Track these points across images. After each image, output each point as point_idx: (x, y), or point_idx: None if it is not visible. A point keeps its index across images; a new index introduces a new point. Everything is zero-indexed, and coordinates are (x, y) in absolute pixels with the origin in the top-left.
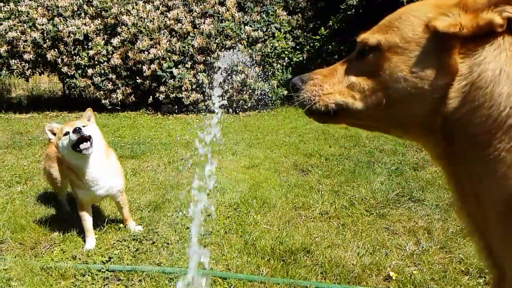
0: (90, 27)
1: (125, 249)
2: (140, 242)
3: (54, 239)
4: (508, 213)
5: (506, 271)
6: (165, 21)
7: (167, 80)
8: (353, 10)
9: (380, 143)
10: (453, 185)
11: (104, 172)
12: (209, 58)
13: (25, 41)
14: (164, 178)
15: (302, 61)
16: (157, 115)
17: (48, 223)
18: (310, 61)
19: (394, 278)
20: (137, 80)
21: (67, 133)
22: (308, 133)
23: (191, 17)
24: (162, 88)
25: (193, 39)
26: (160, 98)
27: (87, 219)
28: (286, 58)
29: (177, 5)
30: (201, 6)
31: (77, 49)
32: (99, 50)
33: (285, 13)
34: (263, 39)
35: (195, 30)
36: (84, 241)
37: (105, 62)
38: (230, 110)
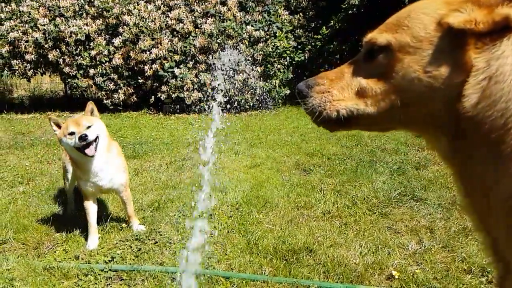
0: (91, 27)
1: (127, 248)
2: (143, 241)
3: (57, 239)
4: None
5: None
6: (167, 21)
7: (168, 80)
8: (355, 9)
9: (382, 142)
10: (461, 182)
11: (105, 165)
12: (210, 58)
13: (27, 41)
14: (166, 178)
15: (303, 61)
16: (159, 115)
17: (50, 223)
18: (312, 60)
19: (396, 277)
20: (139, 80)
21: (72, 133)
22: (310, 132)
23: (193, 17)
24: (163, 88)
25: (194, 39)
26: (162, 98)
27: (91, 213)
28: (287, 58)
29: (178, 5)
30: (202, 6)
31: (78, 49)
32: (101, 50)
33: (286, 12)
34: (264, 38)
35: (196, 30)
36: (87, 240)
37: (107, 62)
38: (232, 109)
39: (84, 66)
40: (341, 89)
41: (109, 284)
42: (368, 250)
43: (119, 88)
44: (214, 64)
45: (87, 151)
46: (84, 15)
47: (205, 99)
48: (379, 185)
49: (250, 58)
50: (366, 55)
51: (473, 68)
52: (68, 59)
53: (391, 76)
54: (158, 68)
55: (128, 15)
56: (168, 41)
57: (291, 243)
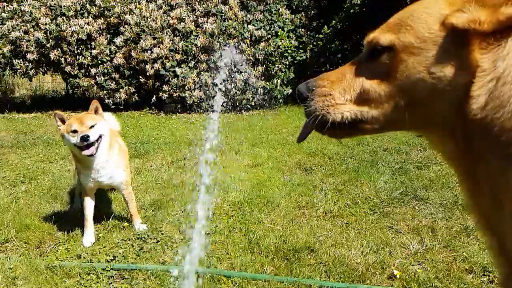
0: (93, 26)
1: (129, 248)
2: (144, 241)
3: (59, 238)
4: None
5: None
6: (168, 20)
7: (170, 79)
8: (357, 8)
9: (384, 142)
10: (467, 183)
11: (106, 163)
12: (212, 57)
13: (28, 41)
14: (167, 177)
15: (305, 60)
16: (160, 114)
17: (52, 222)
18: (313, 60)
19: (398, 276)
20: (140, 80)
21: (75, 131)
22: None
23: (194, 16)
24: (165, 88)
25: (196, 38)
26: (163, 97)
27: (88, 207)
28: (289, 57)
29: (180, 4)
30: (204, 5)
31: (80, 48)
32: (102, 49)
33: (288, 12)
34: (266, 38)
35: (198, 29)
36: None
37: (108, 62)
38: (233, 109)
39: (85, 66)
40: (343, 91)
41: (111, 283)
42: (369, 250)
43: (120, 88)
44: (214, 63)
45: (87, 151)
46: (86, 14)
47: (206, 98)
48: (381, 185)
49: (251, 58)
50: (368, 56)
51: (478, 69)
52: (70, 59)
53: (394, 77)
54: (160, 67)
55: (129, 14)
56: (170, 41)
57: (292, 243)
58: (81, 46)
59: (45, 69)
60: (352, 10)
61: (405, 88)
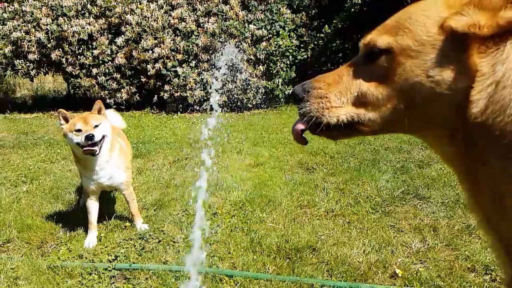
0: (94, 26)
1: (131, 247)
2: (146, 240)
3: (61, 238)
4: None
5: None
6: (169, 20)
7: (171, 79)
8: (358, 7)
9: (385, 141)
10: (468, 183)
11: (107, 164)
12: (213, 57)
13: (30, 41)
14: (169, 177)
15: (306, 59)
16: (162, 114)
17: (54, 222)
18: (315, 59)
19: (400, 275)
20: (142, 79)
21: (79, 130)
22: None
23: (195, 16)
24: (166, 87)
25: (197, 38)
26: (164, 97)
27: (92, 211)
28: (290, 57)
29: (181, 4)
30: (205, 5)
31: (81, 48)
32: (104, 49)
33: (289, 11)
34: (267, 37)
35: (199, 29)
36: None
37: (110, 62)
38: (235, 108)
39: (87, 66)
40: (339, 94)
41: (113, 283)
42: (371, 249)
43: (121, 88)
44: (215, 62)
45: (89, 151)
46: (87, 14)
47: (207, 98)
48: (382, 184)
49: (252, 57)
50: (365, 58)
51: (478, 73)
52: (71, 59)
53: (392, 80)
54: (161, 67)
55: (130, 14)
56: (171, 40)
57: (294, 242)
58: (82, 46)
59: (46, 69)
60: (352, 10)
61: (403, 91)
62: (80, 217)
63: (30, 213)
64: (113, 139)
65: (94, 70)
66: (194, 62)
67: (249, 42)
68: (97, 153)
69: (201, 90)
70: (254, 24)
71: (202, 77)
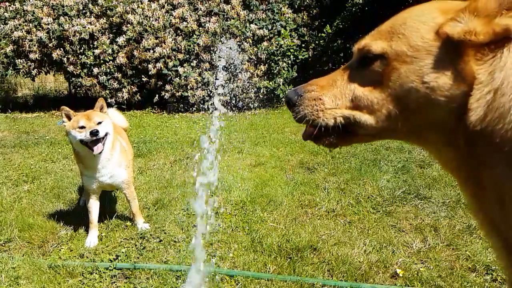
0: (95, 26)
1: (132, 247)
2: (147, 240)
3: (62, 237)
4: None
5: None
6: (170, 20)
7: (172, 79)
8: (359, 6)
9: (386, 141)
10: (470, 189)
11: (108, 162)
12: (215, 55)
13: (31, 40)
14: (170, 177)
15: (307, 59)
16: (163, 113)
17: (55, 222)
18: (316, 59)
19: (401, 275)
20: (143, 79)
21: (82, 127)
22: None
23: (196, 16)
24: (167, 87)
25: (198, 38)
26: (165, 96)
27: (93, 210)
28: (291, 56)
29: (182, 4)
30: (206, 5)
31: (82, 48)
32: (105, 49)
33: (290, 11)
34: (268, 37)
35: (200, 28)
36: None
37: (111, 61)
38: (236, 108)
39: (88, 65)
40: (333, 97)
41: (114, 282)
42: (372, 248)
43: (123, 87)
44: (216, 61)
45: (95, 148)
46: (88, 14)
47: (209, 97)
48: (383, 184)
49: (254, 57)
50: (360, 63)
51: (475, 81)
52: (72, 58)
53: (387, 85)
54: (162, 66)
55: (131, 14)
56: (172, 40)
57: (295, 242)
58: (84, 45)
59: (47, 68)
60: (354, 9)
61: (398, 96)
62: (81, 216)
63: (31, 213)
64: (114, 138)
65: (95, 70)
66: (195, 61)
67: (251, 41)
68: (101, 150)
69: (202, 90)
70: (256, 24)
71: (204, 77)
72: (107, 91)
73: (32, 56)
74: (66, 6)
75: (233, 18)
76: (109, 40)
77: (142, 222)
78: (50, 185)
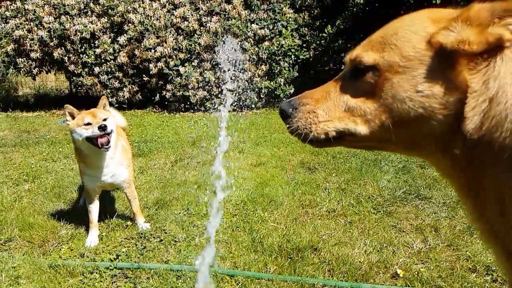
0: (96, 25)
1: (132, 246)
2: (148, 239)
3: (62, 237)
4: None
5: None
6: (172, 19)
7: (173, 78)
8: (360, 6)
9: None
10: (471, 197)
11: (111, 161)
12: (215, 56)
13: (32, 39)
14: (171, 176)
15: (308, 59)
16: (164, 113)
17: (56, 221)
18: (317, 59)
19: (401, 275)
20: (144, 78)
21: (88, 124)
22: None
23: (198, 15)
24: (168, 86)
25: (199, 37)
26: (166, 96)
27: (93, 210)
28: (292, 56)
29: (183, 3)
30: (207, 4)
31: (83, 47)
32: (106, 48)
33: (291, 11)
34: (269, 37)
35: (201, 28)
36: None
37: (112, 60)
38: (237, 108)
39: (89, 64)
40: (327, 110)
41: (114, 282)
42: (373, 249)
43: (124, 86)
44: (217, 60)
45: (103, 141)
46: (89, 13)
47: (210, 97)
48: (384, 184)
49: (255, 57)
50: (352, 74)
51: (469, 90)
52: (73, 57)
53: (380, 95)
54: (163, 66)
55: (133, 13)
56: (173, 39)
57: (296, 242)
58: (85, 44)
59: (48, 67)
60: (355, 9)
61: (391, 106)
62: (82, 216)
63: (32, 212)
64: (116, 137)
65: (96, 69)
66: (196, 61)
67: (252, 41)
68: (109, 145)
69: (203, 91)
70: (257, 24)
71: (205, 76)
72: (108, 90)
73: (33, 55)
74: (67, 5)
75: (235, 18)
76: (110, 39)
77: (142, 222)
78: (50, 184)
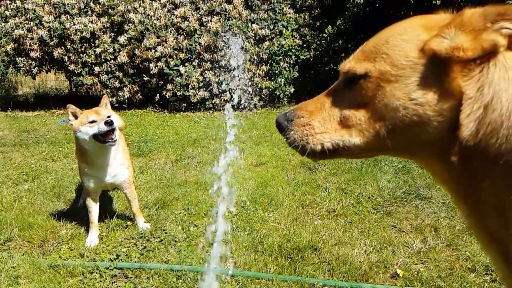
0: (96, 24)
1: (132, 246)
2: (148, 239)
3: (62, 236)
4: None
5: None
6: (172, 19)
7: (174, 78)
8: (361, 6)
9: None
10: (468, 203)
11: (113, 160)
12: (216, 56)
13: (32, 38)
14: (171, 176)
15: (309, 59)
16: (164, 113)
17: (55, 221)
18: (317, 59)
19: (401, 275)
20: (144, 78)
21: (93, 121)
22: None
23: (198, 15)
24: (169, 86)
25: (200, 37)
26: (167, 96)
27: (93, 210)
28: (293, 56)
29: (184, 3)
30: (208, 4)
31: (84, 47)
32: (106, 48)
33: (292, 11)
34: (270, 37)
35: (202, 28)
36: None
37: (112, 60)
38: (237, 108)
39: (89, 64)
40: (322, 121)
41: (114, 282)
42: (372, 249)
43: (124, 86)
44: (219, 60)
45: (109, 140)
46: (89, 12)
47: (210, 97)
48: (384, 184)
49: (255, 57)
50: (345, 85)
51: (464, 96)
52: (73, 57)
53: (373, 104)
54: (164, 66)
55: (133, 13)
56: (174, 39)
57: (296, 242)
58: (85, 44)
59: (48, 67)
60: (355, 9)
61: (385, 115)
62: (82, 216)
63: (32, 212)
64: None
65: (97, 69)
66: (196, 61)
67: (252, 41)
68: (115, 138)
69: (204, 91)
70: (257, 24)
71: (205, 76)
72: (108, 90)
73: (33, 54)
74: (68, 4)
75: (235, 18)
76: (110, 39)
77: (142, 222)
78: (50, 184)
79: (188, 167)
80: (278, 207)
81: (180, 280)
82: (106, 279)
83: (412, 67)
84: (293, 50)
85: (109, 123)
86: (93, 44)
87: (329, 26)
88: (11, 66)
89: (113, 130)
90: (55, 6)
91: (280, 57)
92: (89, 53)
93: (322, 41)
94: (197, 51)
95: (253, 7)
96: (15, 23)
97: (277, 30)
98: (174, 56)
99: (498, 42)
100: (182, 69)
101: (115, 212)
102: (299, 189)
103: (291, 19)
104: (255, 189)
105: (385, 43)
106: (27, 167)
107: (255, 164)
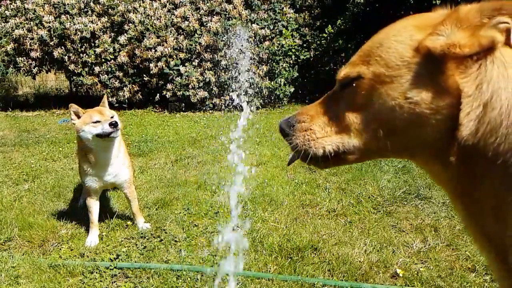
0: (97, 24)
1: (133, 246)
2: (148, 239)
3: (62, 236)
4: None
5: None
6: (172, 19)
7: (174, 78)
8: (361, 6)
9: None
10: (466, 204)
11: (115, 159)
12: (216, 56)
13: (32, 38)
14: (171, 176)
15: (309, 59)
16: (164, 113)
17: (56, 221)
18: (317, 59)
19: (401, 275)
20: (144, 78)
21: (97, 122)
22: None
23: (198, 15)
24: (169, 86)
25: (200, 37)
26: (167, 96)
27: (93, 210)
28: (293, 56)
29: (184, 3)
30: (208, 4)
31: (84, 46)
32: (106, 47)
33: (292, 11)
34: (270, 37)
35: (202, 28)
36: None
37: (112, 60)
38: (238, 108)
39: (89, 64)
40: (323, 125)
41: (114, 282)
42: (372, 248)
43: (124, 86)
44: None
45: (112, 134)
46: (90, 12)
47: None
48: (384, 184)
49: (255, 57)
50: (342, 89)
51: (463, 95)
52: (73, 57)
53: (370, 105)
54: (164, 66)
55: (133, 13)
56: (174, 39)
57: (296, 241)
58: (85, 44)
59: (48, 67)
60: (355, 9)
61: (381, 115)
62: (82, 215)
63: (32, 212)
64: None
65: (97, 68)
66: (197, 61)
67: (252, 41)
68: (117, 134)
69: (204, 91)
70: (257, 24)
71: (205, 76)
72: (108, 90)
73: (33, 54)
74: (68, 4)
75: (235, 18)
76: (110, 39)
77: (142, 222)
78: (50, 184)
79: (188, 167)
80: (278, 206)
81: (180, 280)
82: (106, 279)
83: (407, 66)
84: (293, 50)
85: (113, 124)
86: (93, 44)
87: (329, 26)
88: (11, 66)
89: (116, 131)
90: (55, 6)
91: (280, 57)
92: (89, 53)
93: (322, 41)
94: (197, 51)
95: (253, 7)
96: (15, 23)
97: (277, 30)
98: (174, 56)
99: (496, 38)
100: (182, 69)
101: (115, 212)
102: (299, 189)
103: (291, 19)
104: (255, 188)
105: (379, 46)
106: (27, 167)
107: (255, 164)
